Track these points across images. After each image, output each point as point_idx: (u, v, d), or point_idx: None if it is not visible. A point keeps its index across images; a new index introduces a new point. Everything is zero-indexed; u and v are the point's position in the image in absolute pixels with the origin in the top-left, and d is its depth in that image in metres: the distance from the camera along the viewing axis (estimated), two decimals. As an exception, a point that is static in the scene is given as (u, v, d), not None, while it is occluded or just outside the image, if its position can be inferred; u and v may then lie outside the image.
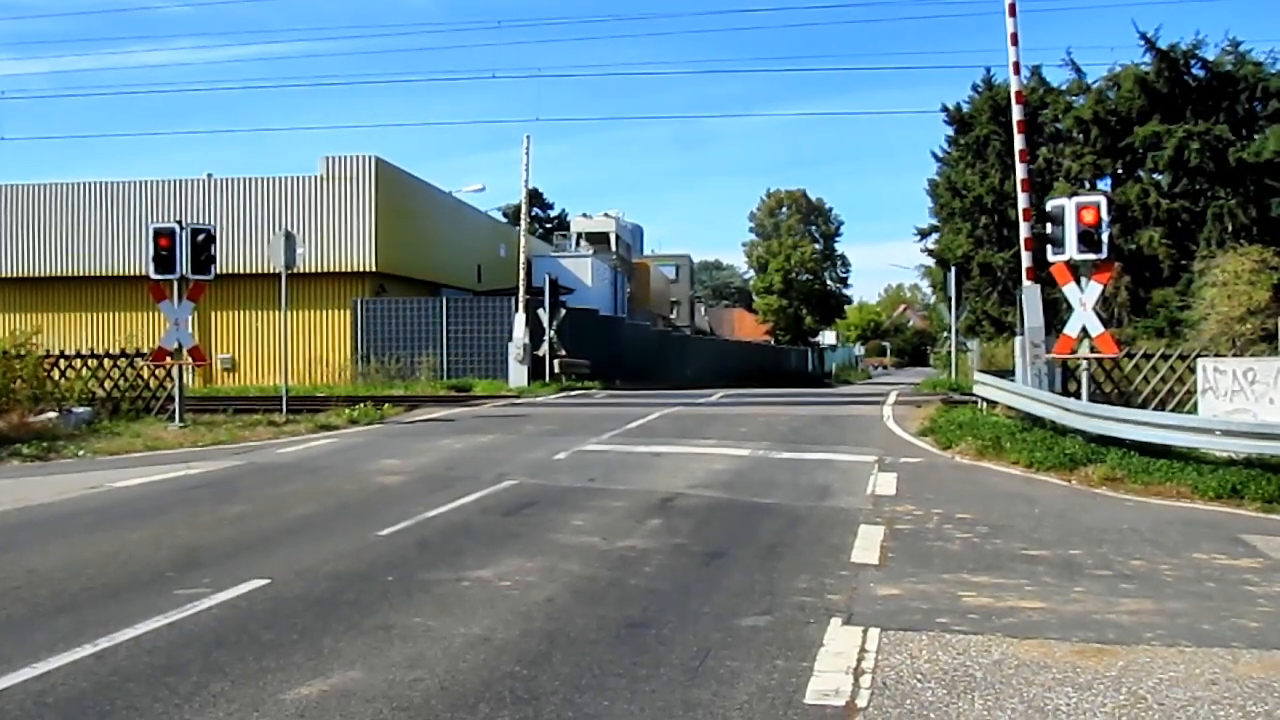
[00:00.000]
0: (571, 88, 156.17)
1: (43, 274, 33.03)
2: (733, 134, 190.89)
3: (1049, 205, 14.98)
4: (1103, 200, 14.34)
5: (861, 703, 4.46)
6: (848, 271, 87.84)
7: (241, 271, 30.30)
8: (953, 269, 31.29)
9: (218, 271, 18.42)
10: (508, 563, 7.16)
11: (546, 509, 9.44)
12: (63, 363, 19.66)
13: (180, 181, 32.96)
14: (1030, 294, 16.16)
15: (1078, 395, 14.82)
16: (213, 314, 31.54)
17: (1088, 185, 28.11)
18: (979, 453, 13.34)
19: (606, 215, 56.90)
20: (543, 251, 47.69)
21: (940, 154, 34.54)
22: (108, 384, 19.63)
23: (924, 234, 35.54)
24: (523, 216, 34.59)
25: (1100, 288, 14.56)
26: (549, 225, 71.74)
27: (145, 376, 19.62)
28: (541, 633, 5.51)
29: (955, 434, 14.60)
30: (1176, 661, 5.01)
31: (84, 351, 20.88)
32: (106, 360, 20.03)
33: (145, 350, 19.78)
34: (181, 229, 17.54)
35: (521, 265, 32.93)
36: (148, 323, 27.61)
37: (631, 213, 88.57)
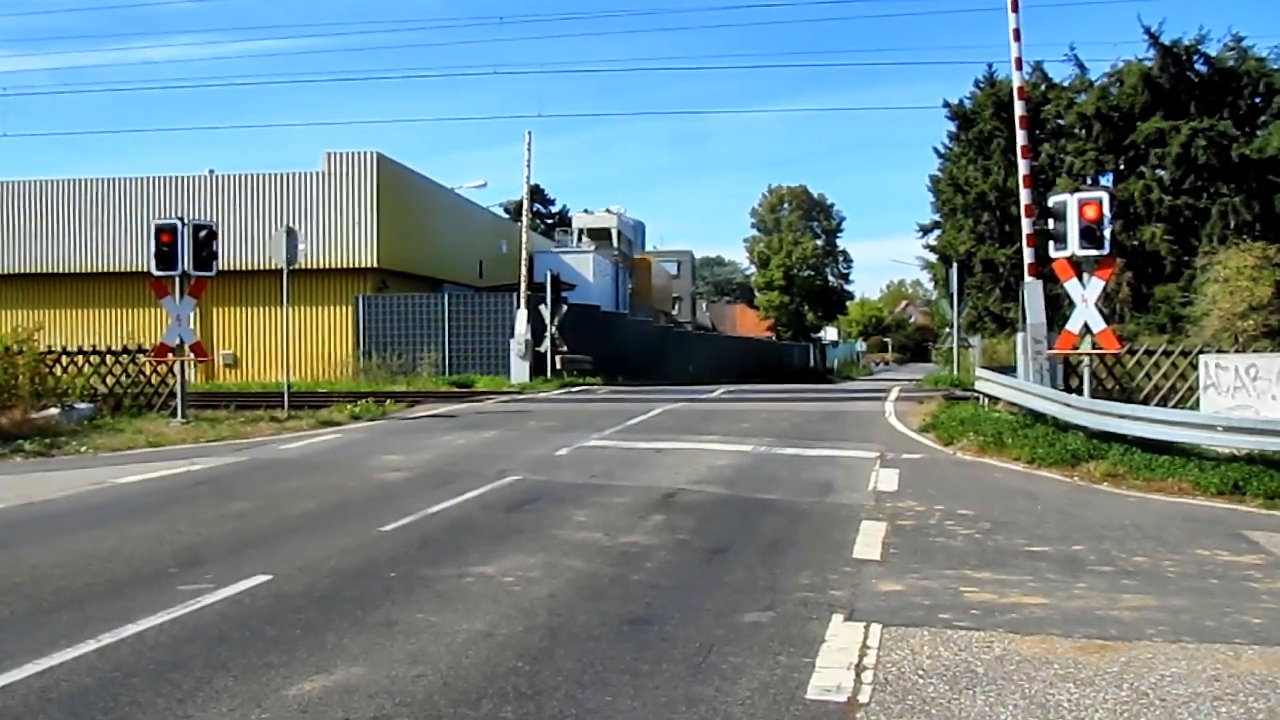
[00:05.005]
0: (574, 84, 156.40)
1: (44, 270, 33.03)
2: (734, 130, 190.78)
3: (1051, 201, 14.97)
4: (1105, 196, 14.32)
5: (863, 698, 4.47)
6: (849, 267, 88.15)
7: (243, 268, 30.27)
8: (955, 265, 31.28)
9: (220, 268, 18.46)
10: (510, 559, 7.17)
11: (549, 505, 9.45)
12: (65, 359, 19.66)
13: (182, 177, 32.96)
14: (1032, 290, 16.15)
15: (1079, 391, 14.81)
16: (215, 310, 31.52)
17: (1090, 181, 28.11)
18: (981, 449, 13.34)
19: (608, 211, 56.89)
20: (544, 247, 47.66)
21: (942, 150, 34.54)
22: (110, 380, 19.60)
23: (926, 230, 35.55)
24: (524, 212, 34.57)
25: (1102, 284, 14.54)
26: (551, 221, 71.70)
27: (147, 372, 19.62)
28: (544, 628, 5.52)
29: (957, 430, 14.60)
30: (1179, 657, 5.01)
31: (86, 348, 20.87)
32: (109, 356, 20.02)
33: (147, 346, 19.78)
34: (183, 225, 17.56)
35: (523, 261, 32.90)
36: (150, 319, 27.62)
37: (633, 209, 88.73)
